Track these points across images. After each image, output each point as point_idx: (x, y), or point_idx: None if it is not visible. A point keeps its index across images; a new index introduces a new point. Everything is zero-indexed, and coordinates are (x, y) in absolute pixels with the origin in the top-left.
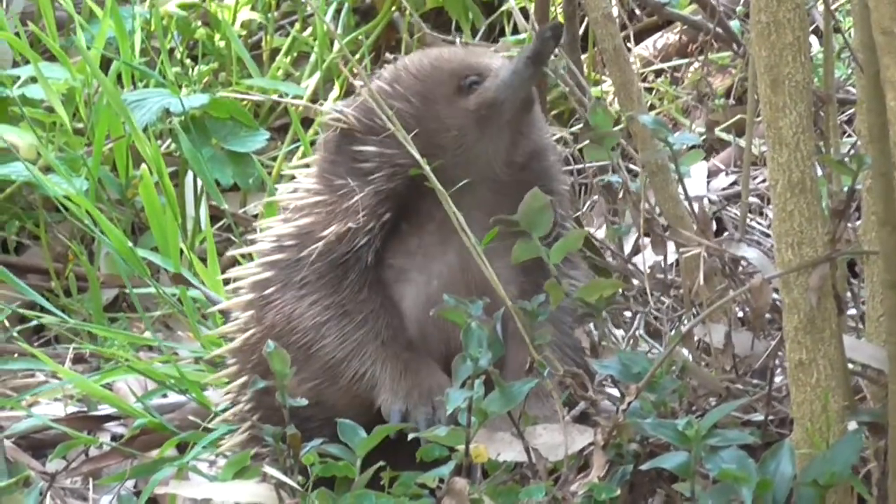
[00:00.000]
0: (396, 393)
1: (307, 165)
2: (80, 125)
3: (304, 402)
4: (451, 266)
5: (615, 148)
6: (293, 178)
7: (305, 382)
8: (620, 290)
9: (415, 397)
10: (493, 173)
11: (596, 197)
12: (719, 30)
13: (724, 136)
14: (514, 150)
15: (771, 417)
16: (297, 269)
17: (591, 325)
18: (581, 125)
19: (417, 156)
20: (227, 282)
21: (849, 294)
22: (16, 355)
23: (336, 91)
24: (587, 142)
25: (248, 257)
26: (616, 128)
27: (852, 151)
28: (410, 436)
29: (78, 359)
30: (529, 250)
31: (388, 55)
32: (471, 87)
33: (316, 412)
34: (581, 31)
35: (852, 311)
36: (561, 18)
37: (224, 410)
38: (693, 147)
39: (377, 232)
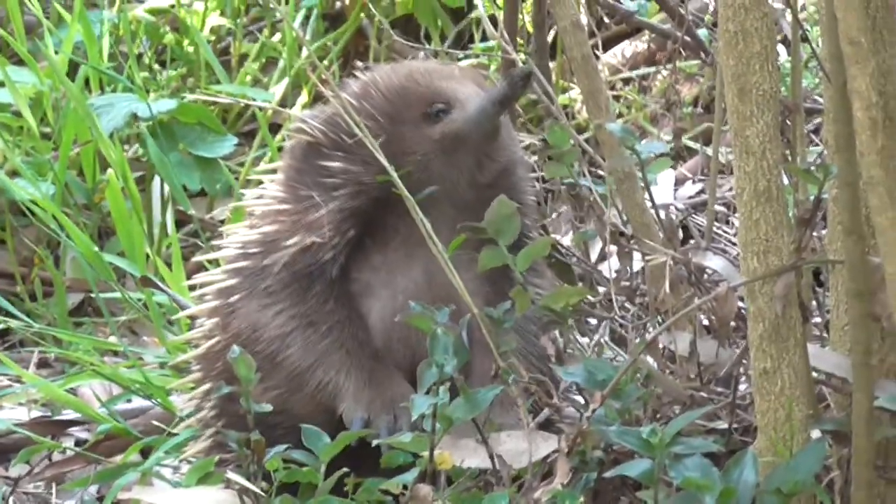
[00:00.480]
0: (359, 401)
1: (274, 171)
2: (48, 129)
3: (269, 408)
4: (416, 281)
5: (573, 165)
6: (260, 183)
7: (270, 391)
8: (586, 298)
9: (377, 406)
10: (458, 193)
11: (563, 206)
12: (687, 38)
13: (691, 144)
14: (480, 172)
15: (735, 425)
16: (262, 277)
17: (557, 332)
18: (541, 140)
19: (390, 168)
20: (192, 287)
21: (814, 303)
22: None
23: (304, 97)
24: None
25: (215, 263)
26: (583, 135)
27: (819, 161)
28: (374, 442)
29: (42, 363)
30: (496, 258)
31: (357, 63)
32: (437, 116)
33: (281, 420)
34: (550, 39)
35: (817, 320)
36: (529, 26)
37: (188, 416)
38: (660, 155)
39: (341, 248)
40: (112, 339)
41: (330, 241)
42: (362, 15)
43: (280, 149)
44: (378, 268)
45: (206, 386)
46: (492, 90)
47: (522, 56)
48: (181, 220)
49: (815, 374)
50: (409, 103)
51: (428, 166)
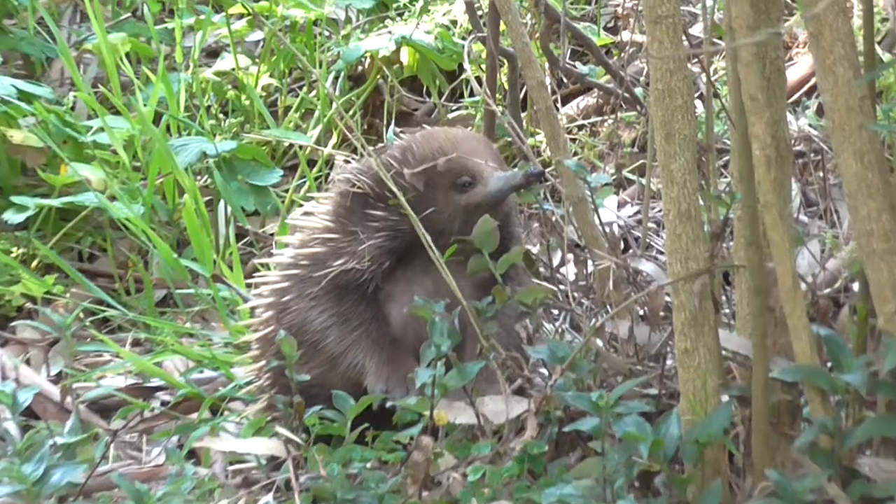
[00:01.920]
0: (379, 377)
1: (311, 199)
2: (138, 164)
3: (308, 377)
4: (427, 289)
5: (539, 193)
6: (301, 205)
7: (314, 369)
8: (550, 294)
9: (393, 381)
10: (466, 232)
11: (534, 224)
12: (627, 95)
13: (630, 176)
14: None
15: (663, 392)
16: (310, 284)
17: (528, 321)
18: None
19: (420, 229)
20: (251, 285)
21: (723, 297)
22: (88, 340)
23: (334, 139)
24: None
25: (266, 266)
26: (548, 169)
27: (727, 189)
28: (388, 404)
29: (135, 343)
30: (482, 264)
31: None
32: (464, 187)
33: (320, 391)
34: (521, 95)
35: (726, 311)
36: (506, 85)
37: (247, 384)
38: (606, 184)
39: (377, 273)
40: (188, 324)
41: (368, 268)
42: (378, 76)
43: (316, 178)
44: (399, 280)
45: (262, 363)
46: (510, 175)
47: (500, 108)
48: (240, 234)
49: (724, 353)
50: (442, 173)
51: (452, 221)
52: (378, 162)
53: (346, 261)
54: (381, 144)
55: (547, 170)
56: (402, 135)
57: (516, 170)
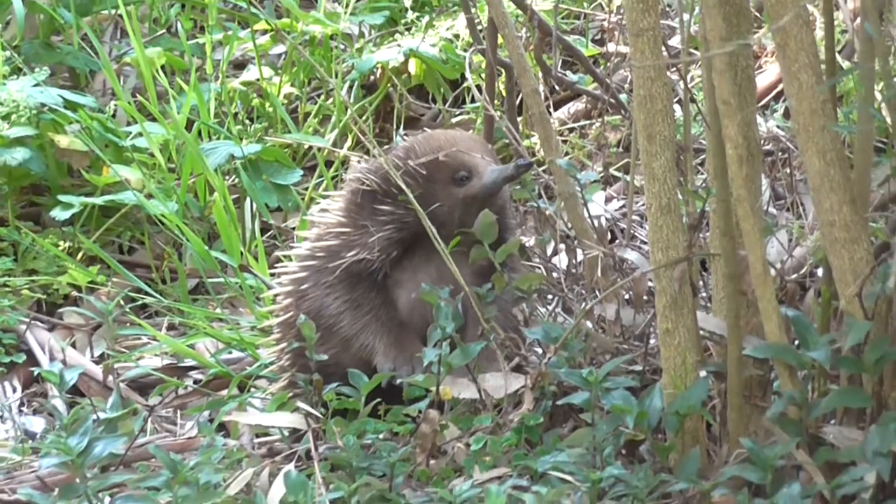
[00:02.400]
0: (387, 357)
1: (328, 197)
2: (172, 165)
3: (325, 357)
4: (431, 277)
5: (534, 190)
6: (318, 203)
7: (329, 350)
8: (544, 281)
9: (400, 360)
10: (467, 223)
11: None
12: (612, 100)
13: (616, 173)
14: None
15: (647, 368)
16: (325, 273)
17: (524, 305)
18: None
19: (426, 220)
20: (274, 275)
21: (701, 283)
22: (128, 325)
23: (349, 142)
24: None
25: (287, 258)
26: (541, 168)
27: (703, 184)
28: (398, 380)
29: (170, 327)
30: (482, 253)
31: (402, 131)
32: (462, 181)
33: (335, 370)
34: (517, 101)
35: (703, 295)
36: (503, 92)
37: (270, 364)
38: (594, 181)
39: (386, 262)
40: (217, 310)
41: (378, 258)
42: (389, 85)
43: (333, 178)
44: (406, 268)
45: (283, 345)
46: (502, 168)
47: (499, 113)
48: (264, 228)
49: (701, 333)
50: (441, 169)
51: (452, 213)
52: (387, 160)
53: (357, 252)
54: (387, 146)
55: (540, 169)
56: (406, 136)
57: (517, 161)
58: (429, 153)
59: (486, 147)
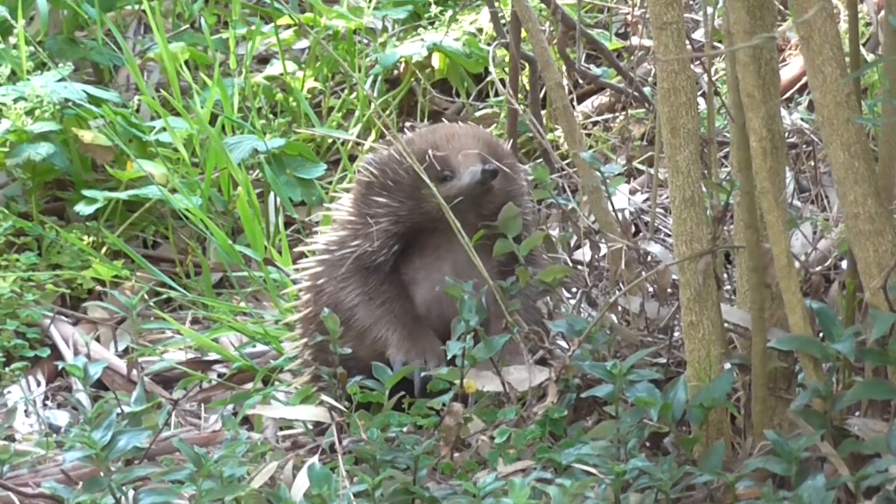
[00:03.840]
0: (400, 349)
1: (348, 190)
2: (196, 160)
3: (349, 350)
4: (445, 275)
5: (554, 188)
6: (339, 198)
7: (345, 344)
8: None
9: (412, 353)
10: (468, 220)
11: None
12: (636, 94)
13: (639, 166)
14: (479, 209)
15: (671, 360)
16: (338, 266)
17: (549, 298)
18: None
19: (443, 202)
20: (296, 271)
21: (725, 275)
22: (152, 319)
23: (372, 136)
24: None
25: (311, 252)
26: (565, 161)
27: (727, 177)
28: (422, 374)
29: (194, 321)
30: (506, 246)
31: (407, 121)
32: (445, 180)
33: (352, 364)
34: (541, 95)
35: (727, 287)
36: (527, 86)
37: (294, 358)
38: (618, 174)
39: (389, 255)
40: (241, 304)
41: (379, 250)
42: (412, 79)
43: (357, 172)
44: (418, 268)
45: (304, 340)
46: (475, 172)
47: (522, 107)
48: (288, 222)
49: (726, 325)
50: (430, 166)
51: (439, 209)
52: (404, 148)
53: (360, 242)
54: (387, 137)
55: (564, 162)
56: (412, 128)
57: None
58: (424, 148)
59: (489, 144)
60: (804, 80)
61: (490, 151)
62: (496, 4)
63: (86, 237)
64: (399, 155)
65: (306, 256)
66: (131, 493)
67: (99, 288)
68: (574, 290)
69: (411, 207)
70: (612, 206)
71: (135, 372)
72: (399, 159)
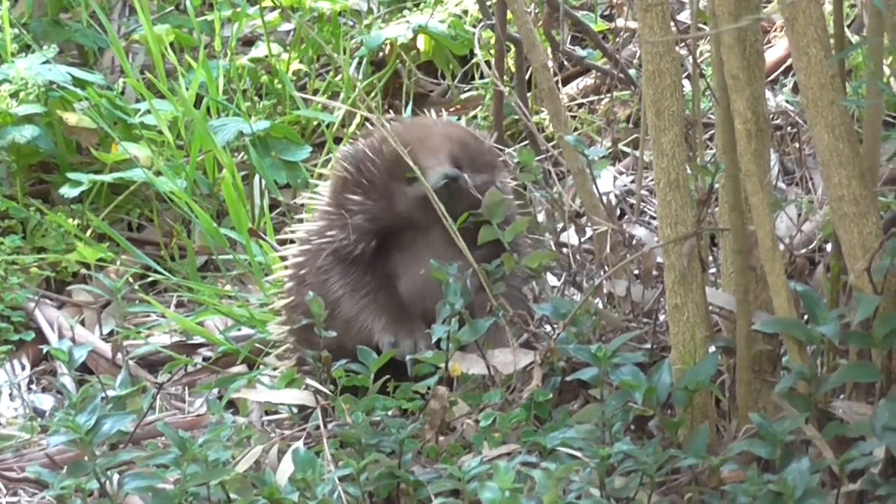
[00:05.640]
0: (388, 332)
1: (325, 178)
2: (181, 143)
3: (335, 333)
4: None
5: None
6: (316, 186)
7: (331, 332)
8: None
9: (402, 334)
10: (451, 214)
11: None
12: (621, 76)
13: (625, 149)
14: (454, 207)
15: (656, 344)
16: (319, 256)
17: (534, 282)
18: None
19: (431, 192)
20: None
21: (710, 258)
22: (137, 302)
23: (357, 118)
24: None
25: (290, 241)
26: (550, 143)
27: (712, 160)
28: (407, 357)
29: (179, 304)
30: (491, 233)
31: (392, 103)
32: (412, 180)
33: (338, 354)
34: (527, 77)
35: (712, 270)
36: (512, 68)
37: (279, 344)
38: (603, 157)
39: (367, 248)
40: (227, 287)
41: (356, 243)
42: (397, 61)
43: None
44: (398, 262)
45: (288, 327)
46: (439, 175)
47: (508, 89)
48: (273, 205)
49: (710, 308)
50: (400, 166)
51: (409, 209)
52: (393, 141)
53: (337, 233)
54: (365, 129)
55: (551, 143)
56: (392, 122)
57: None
58: (394, 151)
59: (464, 142)
60: (789, 62)
61: (464, 151)
62: None
63: (70, 220)
64: (372, 152)
65: (291, 242)
66: (116, 477)
67: (84, 271)
68: (559, 273)
69: (384, 207)
70: (597, 189)
71: (119, 355)
72: (373, 157)
